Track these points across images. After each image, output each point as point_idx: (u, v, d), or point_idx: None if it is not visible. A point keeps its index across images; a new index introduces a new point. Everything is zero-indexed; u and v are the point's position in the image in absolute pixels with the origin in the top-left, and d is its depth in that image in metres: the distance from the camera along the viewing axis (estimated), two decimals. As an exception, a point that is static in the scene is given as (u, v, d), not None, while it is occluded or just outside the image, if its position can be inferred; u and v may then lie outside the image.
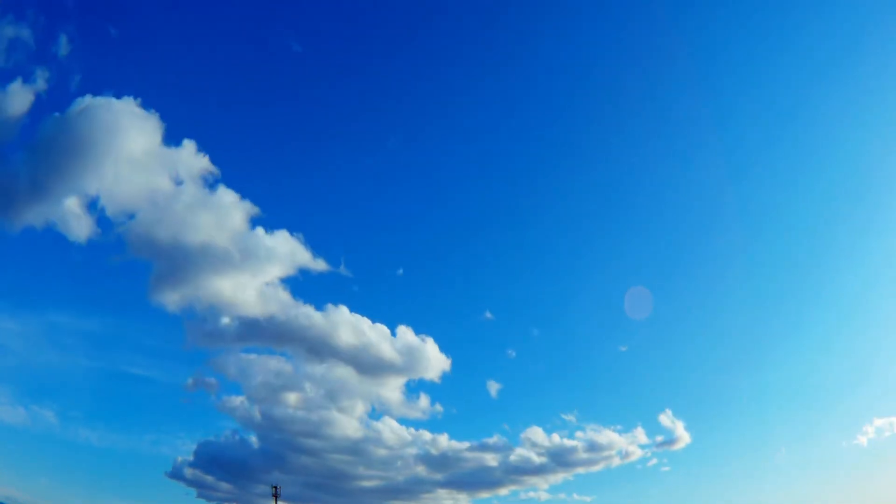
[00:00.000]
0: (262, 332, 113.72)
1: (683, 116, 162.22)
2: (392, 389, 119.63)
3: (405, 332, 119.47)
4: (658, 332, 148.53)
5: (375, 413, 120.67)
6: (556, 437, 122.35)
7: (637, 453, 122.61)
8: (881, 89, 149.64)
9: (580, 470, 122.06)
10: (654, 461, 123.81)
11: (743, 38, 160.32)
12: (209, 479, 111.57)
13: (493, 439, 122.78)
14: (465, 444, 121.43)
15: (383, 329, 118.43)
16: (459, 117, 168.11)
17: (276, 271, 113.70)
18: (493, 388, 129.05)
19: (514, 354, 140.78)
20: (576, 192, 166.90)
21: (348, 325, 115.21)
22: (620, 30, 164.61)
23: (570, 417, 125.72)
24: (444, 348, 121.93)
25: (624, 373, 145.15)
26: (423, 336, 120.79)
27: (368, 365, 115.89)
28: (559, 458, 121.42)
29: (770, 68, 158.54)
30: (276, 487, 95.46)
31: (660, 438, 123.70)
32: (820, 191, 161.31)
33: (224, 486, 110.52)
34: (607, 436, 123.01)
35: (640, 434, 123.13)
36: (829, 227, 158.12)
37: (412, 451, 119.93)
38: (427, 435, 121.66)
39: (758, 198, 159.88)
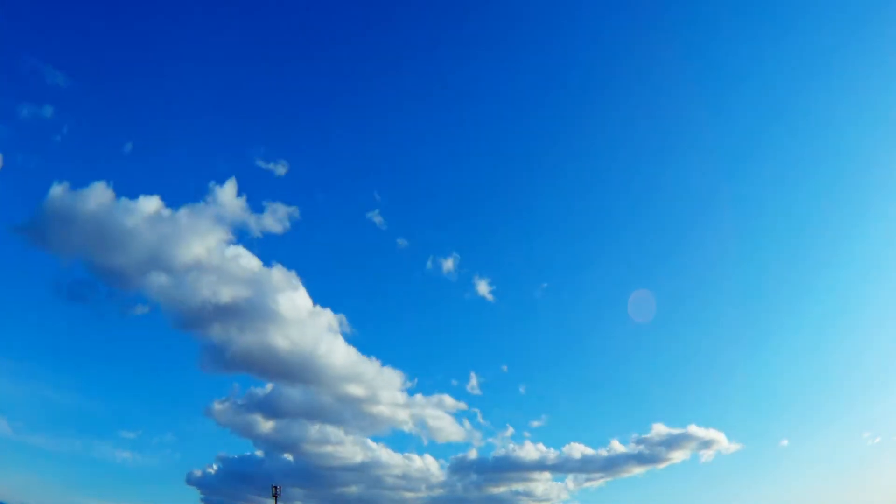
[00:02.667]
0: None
1: (683, 117, 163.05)
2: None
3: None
4: (661, 334, 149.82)
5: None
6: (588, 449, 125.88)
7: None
8: (873, 87, 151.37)
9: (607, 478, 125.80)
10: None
11: (739, 37, 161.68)
12: (231, 490, 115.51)
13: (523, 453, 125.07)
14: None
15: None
16: (458, 119, 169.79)
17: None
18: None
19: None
20: (573, 195, 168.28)
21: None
22: (620, 30, 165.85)
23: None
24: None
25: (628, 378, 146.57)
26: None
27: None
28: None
29: (766, 67, 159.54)
30: (276, 487, 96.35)
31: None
32: (818, 190, 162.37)
33: (249, 496, 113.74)
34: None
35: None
36: (828, 227, 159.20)
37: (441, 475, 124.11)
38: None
39: (754, 197, 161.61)
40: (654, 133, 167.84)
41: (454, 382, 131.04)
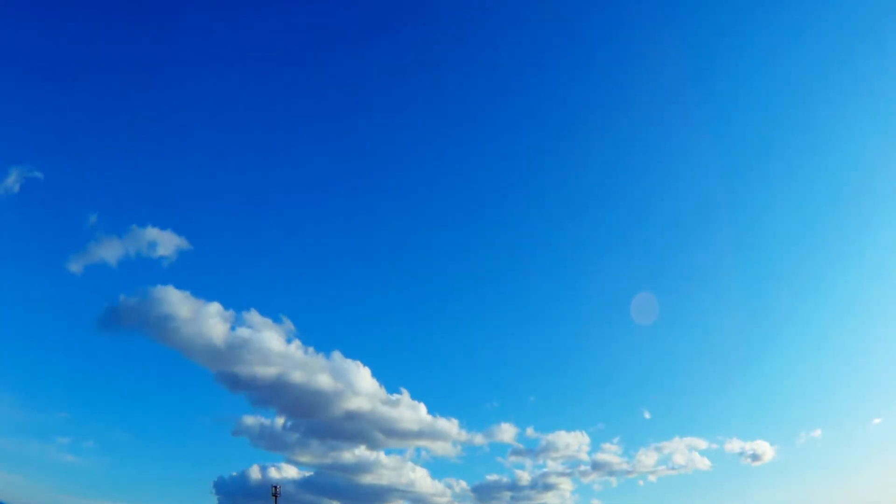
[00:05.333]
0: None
1: (687, 120, 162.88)
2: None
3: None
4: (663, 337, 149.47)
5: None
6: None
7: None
8: (876, 91, 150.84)
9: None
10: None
11: (742, 41, 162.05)
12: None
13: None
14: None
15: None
16: (459, 122, 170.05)
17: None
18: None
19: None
20: (576, 197, 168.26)
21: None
22: (622, 34, 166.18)
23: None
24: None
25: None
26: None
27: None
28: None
29: (769, 70, 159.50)
30: (276, 487, 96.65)
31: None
32: (822, 193, 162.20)
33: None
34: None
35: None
36: (832, 229, 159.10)
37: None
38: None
39: (758, 199, 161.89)
40: (657, 136, 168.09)
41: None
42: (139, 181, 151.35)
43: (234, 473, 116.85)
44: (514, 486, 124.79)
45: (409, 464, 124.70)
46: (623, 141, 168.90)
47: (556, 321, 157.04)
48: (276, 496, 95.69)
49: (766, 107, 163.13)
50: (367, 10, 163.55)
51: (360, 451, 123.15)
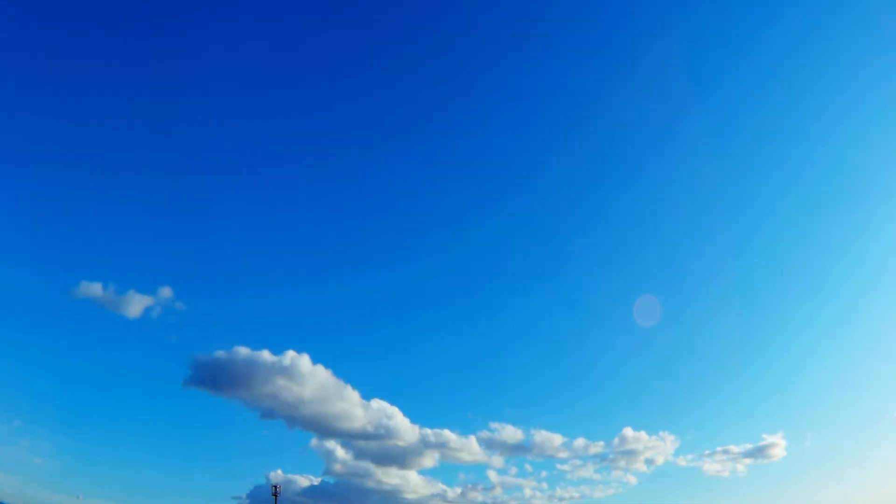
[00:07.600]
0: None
1: (689, 121, 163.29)
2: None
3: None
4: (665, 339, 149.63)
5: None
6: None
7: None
8: (875, 93, 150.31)
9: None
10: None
11: (743, 42, 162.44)
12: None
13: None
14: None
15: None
16: (459, 122, 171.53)
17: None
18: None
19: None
20: (578, 198, 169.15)
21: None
22: (623, 35, 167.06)
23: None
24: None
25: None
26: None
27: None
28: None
29: (771, 71, 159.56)
30: (276, 487, 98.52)
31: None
32: (823, 195, 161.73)
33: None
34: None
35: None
36: (834, 231, 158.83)
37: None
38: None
39: (760, 201, 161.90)
40: (658, 137, 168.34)
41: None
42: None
43: (258, 486, 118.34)
44: (512, 488, 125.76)
45: (413, 472, 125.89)
46: (624, 142, 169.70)
47: (558, 323, 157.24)
48: (276, 496, 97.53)
49: (767, 108, 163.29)
50: (363, 10, 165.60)
51: (384, 467, 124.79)
